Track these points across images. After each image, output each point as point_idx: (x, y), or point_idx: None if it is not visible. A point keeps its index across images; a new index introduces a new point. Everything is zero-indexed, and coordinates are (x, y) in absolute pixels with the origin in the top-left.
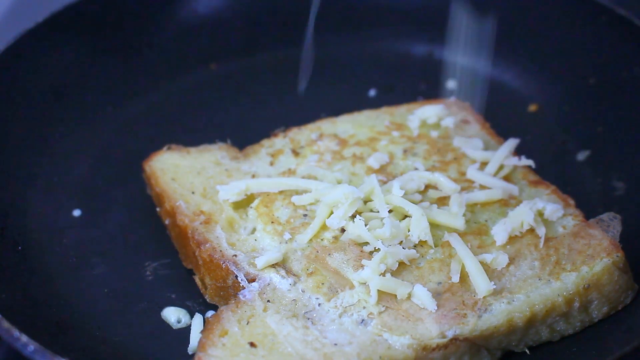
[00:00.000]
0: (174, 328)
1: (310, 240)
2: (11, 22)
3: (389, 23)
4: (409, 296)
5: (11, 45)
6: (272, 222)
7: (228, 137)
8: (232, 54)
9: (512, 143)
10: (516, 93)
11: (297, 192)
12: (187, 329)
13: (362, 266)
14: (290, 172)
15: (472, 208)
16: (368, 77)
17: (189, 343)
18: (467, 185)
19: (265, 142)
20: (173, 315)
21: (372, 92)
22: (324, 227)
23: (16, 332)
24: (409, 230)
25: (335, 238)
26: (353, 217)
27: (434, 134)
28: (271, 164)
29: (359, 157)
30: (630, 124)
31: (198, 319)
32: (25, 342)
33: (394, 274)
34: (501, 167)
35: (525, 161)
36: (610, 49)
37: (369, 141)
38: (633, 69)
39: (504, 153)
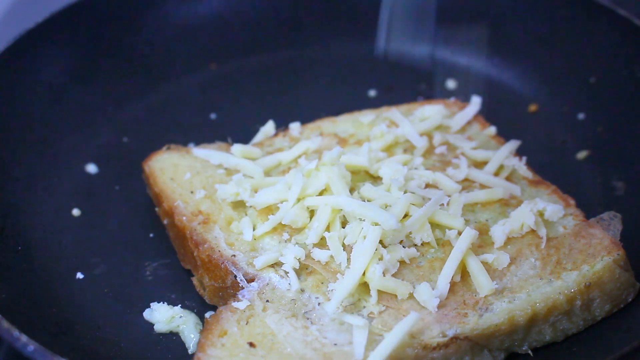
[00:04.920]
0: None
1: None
2: (11, 22)
3: (389, 23)
4: (410, 295)
5: (11, 45)
6: None
7: (228, 137)
8: (232, 54)
9: (512, 144)
10: (516, 93)
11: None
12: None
13: None
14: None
15: (472, 208)
16: (368, 77)
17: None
18: (467, 185)
19: (266, 142)
20: (171, 315)
21: (372, 92)
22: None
23: (16, 332)
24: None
25: None
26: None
27: (434, 133)
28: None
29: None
30: (630, 124)
31: (194, 319)
32: (25, 342)
33: (395, 272)
34: (502, 167)
35: (523, 168)
36: (610, 49)
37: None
38: (633, 69)
39: (504, 153)
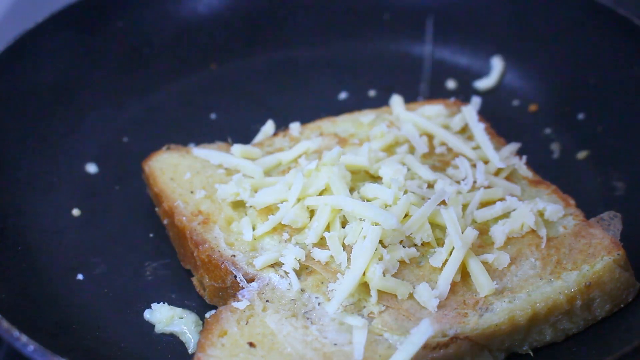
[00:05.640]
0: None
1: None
2: (11, 22)
3: (389, 23)
4: (410, 295)
5: (11, 45)
6: None
7: (228, 137)
8: (232, 54)
9: (513, 146)
10: (516, 93)
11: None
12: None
13: None
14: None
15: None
16: (368, 77)
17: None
18: (467, 185)
19: (266, 142)
20: (172, 315)
21: (372, 92)
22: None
23: (16, 332)
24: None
25: None
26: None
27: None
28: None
29: None
30: (630, 124)
31: (194, 319)
32: (25, 342)
33: (395, 272)
34: (502, 167)
35: (523, 168)
36: (610, 49)
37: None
38: (633, 69)
39: (505, 154)
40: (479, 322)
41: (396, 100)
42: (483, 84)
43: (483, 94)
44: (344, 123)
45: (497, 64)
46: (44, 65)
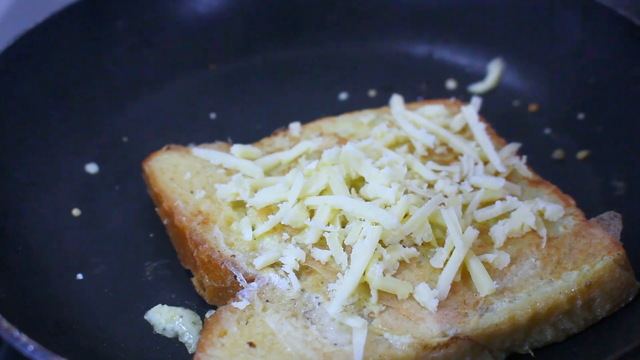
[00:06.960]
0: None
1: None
2: (11, 22)
3: (389, 23)
4: (410, 295)
5: (11, 45)
6: None
7: (228, 136)
8: (232, 54)
9: (513, 146)
10: (516, 93)
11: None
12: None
13: None
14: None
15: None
16: (368, 77)
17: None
18: (467, 185)
19: (265, 141)
20: (171, 315)
21: (372, 92)
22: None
23: (16, 332)
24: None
25: None
26: (343, 224)
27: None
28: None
29: None
30: (630, 124)
31: (194, 319)
32: (25, 342)
33: (395, 272)
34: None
35: (523, 168)
36: (610, 49)
37: None
38: (633, 69)
39: (505, 154)
40: (479, 322)
41: (396, 100)
42: (479, 87)
43: (481, 95)
44: (344, 123)
45: (494, 68)
46: (44, 65)
